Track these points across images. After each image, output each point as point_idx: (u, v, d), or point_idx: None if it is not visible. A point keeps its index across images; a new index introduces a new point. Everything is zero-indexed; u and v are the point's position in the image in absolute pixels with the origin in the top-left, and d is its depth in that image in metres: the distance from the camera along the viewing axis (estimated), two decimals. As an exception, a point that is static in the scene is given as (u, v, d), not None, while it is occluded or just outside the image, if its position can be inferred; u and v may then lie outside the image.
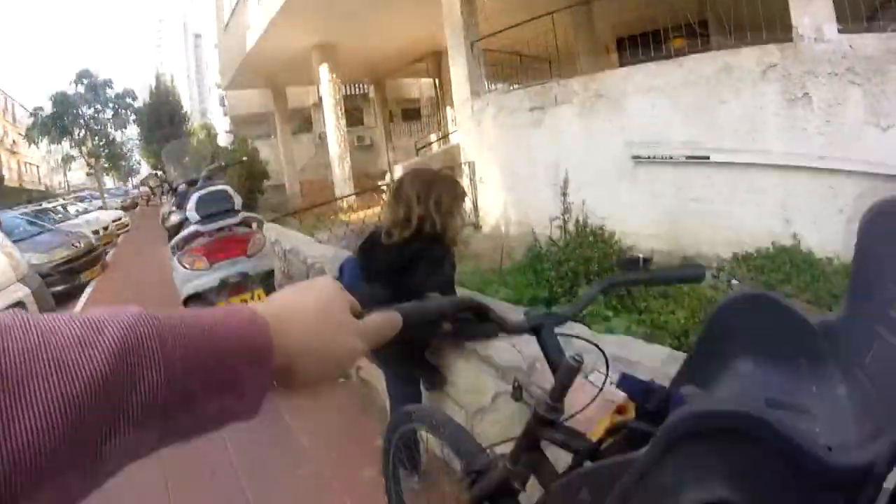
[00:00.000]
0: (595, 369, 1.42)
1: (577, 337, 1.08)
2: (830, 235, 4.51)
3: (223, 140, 19.39)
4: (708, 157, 5.21)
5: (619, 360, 1.47)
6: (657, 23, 7.01)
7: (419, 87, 19.73)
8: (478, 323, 0.80)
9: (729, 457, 0.61)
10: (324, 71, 11.97)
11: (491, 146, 7.65)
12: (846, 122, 4.41)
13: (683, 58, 5.43)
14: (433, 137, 15.70)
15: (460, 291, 2.26)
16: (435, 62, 14.40)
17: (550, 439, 0.92)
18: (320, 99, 13.75)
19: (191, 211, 3.26)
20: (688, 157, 5.36)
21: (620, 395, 0.87)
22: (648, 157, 5.70)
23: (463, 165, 8.18)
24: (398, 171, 10.53)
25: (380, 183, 10.94)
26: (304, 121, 20.52)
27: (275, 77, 14.66)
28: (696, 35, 6.33)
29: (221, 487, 2.26)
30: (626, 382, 0.84)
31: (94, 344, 0.32)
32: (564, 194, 4.86)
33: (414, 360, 2.07)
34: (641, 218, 5.81)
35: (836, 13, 4.43)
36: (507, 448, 1.02)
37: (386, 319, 0.58)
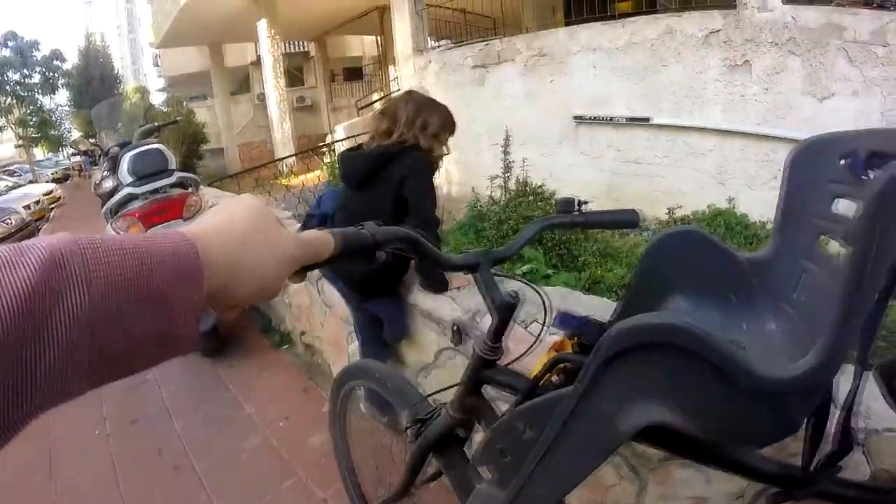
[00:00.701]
0: (535, 320, 1.45)
1: (515, 278, 1.07)
2: (764, 200, 4.66)
3: (157, 101, 18.34)
4: (648, 120, 5.28)
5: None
6: None
7: (362, 45, 18.92)
8: (416, 257, 0.79)
9: (663, 374, 0.62)
10: (262, 27, 11.37)
11: None
12: (784, 91, 4.55)
13: (627, 19, 5.44)
14: (375, 97, 15.25)
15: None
16: (379, 17, 13.92)
17: (492, 381, 0.93)
18: (259, 58, 13.14)
19: (123, 173, 3.08)
20: (628, 119, 5.43)
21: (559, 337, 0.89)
22: (590, 118, 5.73)
23: None
24: (339, 132, 10.22)
25: (321, 145, 10.60)
26: (243, 81, 19.62)
27: (212, 34, 13.83)
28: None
29: (169, 463, 2.16)
30: (563, 320, 0.88)
31: (17, 264, 0.32)
32: (506, 153, 4.81)
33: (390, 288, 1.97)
34: (582, 178, 5.87)
35: None
36: (451, 397, 1.02)
37: (318, 238, 0.58)
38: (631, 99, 5.37)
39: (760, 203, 4.69)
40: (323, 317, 2.61)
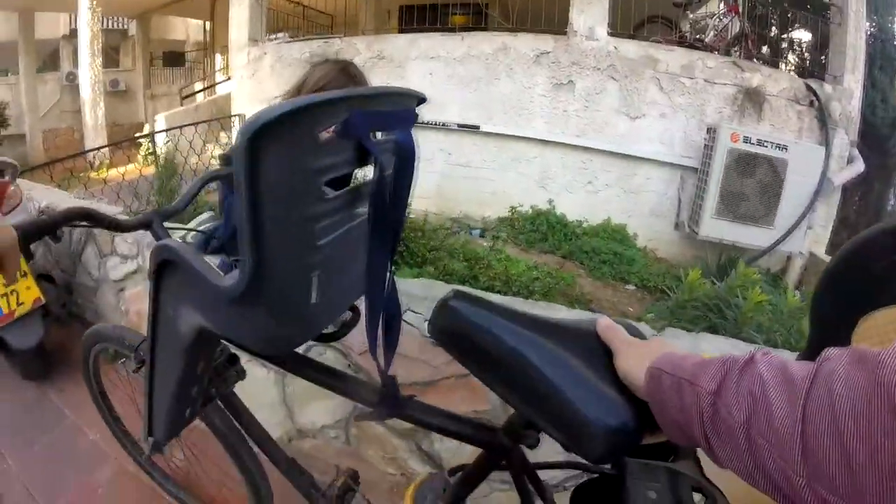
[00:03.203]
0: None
1: (182, 228, 1.34)
2: (580, 202, 5.25)
3: None
4: (478, 127, 5.64)
5: (428, 298, 1.61)
6: None
7: (186, 29, 17.15)
8: (95, 226, 0.92)
9: (178, 283, 0.80)
10: None
11: (266, 99, 7.08)
12: (602, 109, 5.21)
13: (467, 33, 5.79)
14: (198, 86, 14.18)
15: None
16: (211, 1, 13.04)
17: None
18: (73, 31, 11.55)
19: None
20: (460, 125, 5.74)
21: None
22: (423, 123, 5.89)
23: (232, 118, 7.57)
24: (159, 123, 9.23)
25: (137, 135, 9.60)
26: (49, 56, 17.10)
27: None
28: (480, 15, 6.72)
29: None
30: (221, 264, 1.18)
31: None
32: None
33: None
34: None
35: (610, 19, 5.22)
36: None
37: None
38: (464, 107, 5.68)
39: (577, 205, 5.28)
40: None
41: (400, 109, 0.79)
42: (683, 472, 0.63)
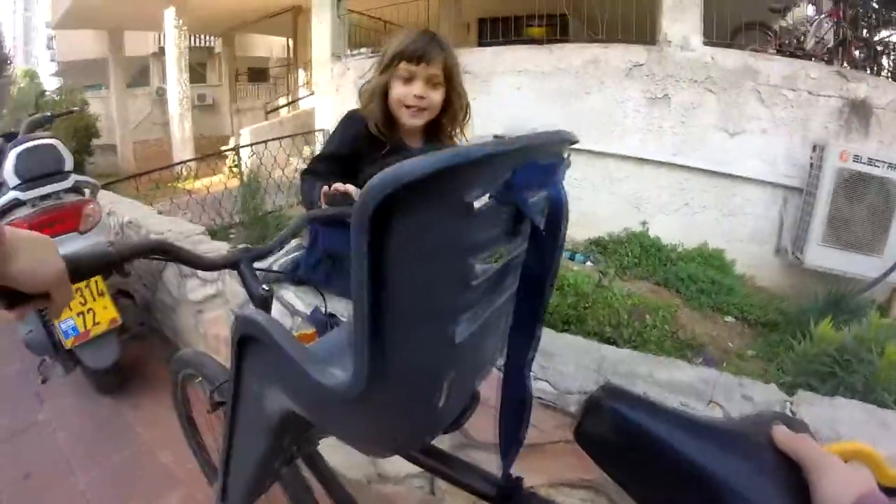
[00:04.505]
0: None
1: (272, 272, 1.36)
2: (675, 225, 4.95)
3: (49, 88, 16.54)
4: (569, 145, 5.40)
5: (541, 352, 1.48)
6: (517, 9, 7.28)
7: (268, 46, 18.12)
8: (172, 261, 0.85)
9: (267, 362, 0.69)
10: (170, 15, 10.53)
11: None
12: (699, 124, 4.90)
13: (555, 45, 5.59)
14: (282, 101, 14.65)
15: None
16: (293, 19, 13.44)
17: None
18: (161, 48, 12.21)
19: (8, 172, 2.51)
20: (549, 143, 5.52)
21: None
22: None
23: (317, 133, 7.64)
24: (245, 137, 9.58)
25: (223, 148, 9.92)
26: (140, 73, 18.20)
27: (114, 18, 12.45)
28: (556, 26, 6.55)
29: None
30: (313, 315, 1.13)
31: None
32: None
33: None
34: None
35: (704, 27, 4.92)
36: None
37: (43, 262, 0.61)
38: (553, 123, 5.46)
39: (673, 227, 4.98)
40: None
41: (556, 160, 0.66)
42: None
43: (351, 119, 1.54)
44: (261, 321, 0.66)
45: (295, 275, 1.73)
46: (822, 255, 4.50)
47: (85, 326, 2.23)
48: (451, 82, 1.54)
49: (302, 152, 8.01)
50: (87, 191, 2.82)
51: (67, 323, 2.21)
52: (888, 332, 2.63)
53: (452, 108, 1.60)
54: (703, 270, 4.61)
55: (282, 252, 1.78)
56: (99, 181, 3.09)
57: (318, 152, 1.54)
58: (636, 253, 4.85)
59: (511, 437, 0.73)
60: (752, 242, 4.99)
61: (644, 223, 5.08)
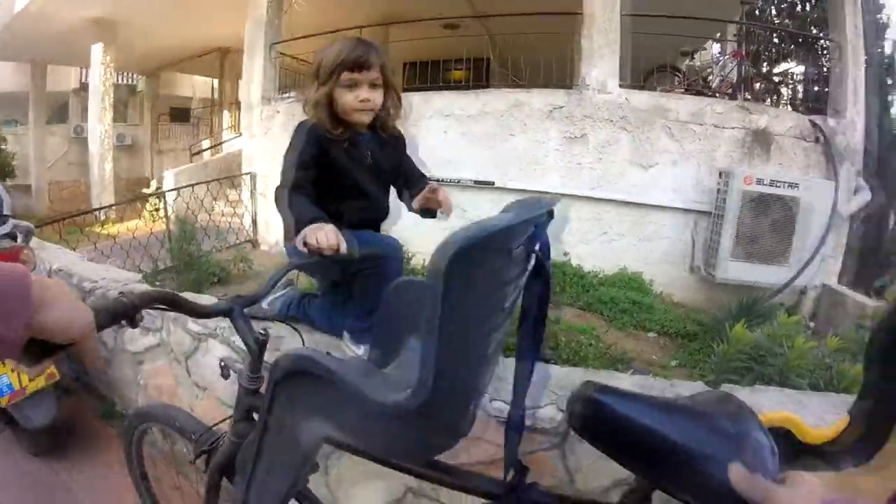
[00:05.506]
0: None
1: (266, 318, 1.44)
2: (596, 253, 5.32)
3: None
4: (493, 183, 5.69)
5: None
6: (442, 54, 7.70)
7: (192, 86, 17.44)
8: (173, 310, 0.91)
9: (316, 395, 0.78)
10: (98, 51, 10.17)
11: (278, 158, 7.17)
12: (615, 160, 5.33)
13: (482, 90, 5.93)
14: (206, 143, 14.22)
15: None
16: (220, 59, 13.23)
17: (256, 408, 1.05)
18: (83, 84, 11.62)
19: None
20: (475, 182, 5.77)
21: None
22: (439, 180, 5.96)
23: (244, 176, 7.43)
24: (168, 179, 9.30)
25: (148, 192, 9.59)
26: (60, 109, 17.20)
27: (40, 50, 11.89)
28: (481, 70, 6.88)
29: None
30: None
31: None
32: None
33: None
34: (427, 234, 6.03)
35: (620, 71, 5.38)
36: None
37: (74, 311, 0.61)
38: (478, 163, 5.73)
39: (593, 255, 5.35)
40: (194, 400, 2.21)
41: (546, 217, 0.92)
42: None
43: (304, 126, 1.63)
44: (314, 356, 0.75)
45: (286, 314, 1.81)
46: (732, 269, 4.98)
47: (20, 384, 2.10)
48: (387, 82, 1.65)
49: (228, 196, 7.85)
50: (19, 236, 2.66)
51: (1, 380, 2.07)
52: (796, 328, 3.02)
53: (392, 103, 1.73)
54: (624, 293, 4.95)
55: (271, 297, 1.86)
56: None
57: (282, 166, 1.61)
58: (560, 281, 5.16)
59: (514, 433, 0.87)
60: (668, 263, 5.41)
61: (566, 253, 5.40)
